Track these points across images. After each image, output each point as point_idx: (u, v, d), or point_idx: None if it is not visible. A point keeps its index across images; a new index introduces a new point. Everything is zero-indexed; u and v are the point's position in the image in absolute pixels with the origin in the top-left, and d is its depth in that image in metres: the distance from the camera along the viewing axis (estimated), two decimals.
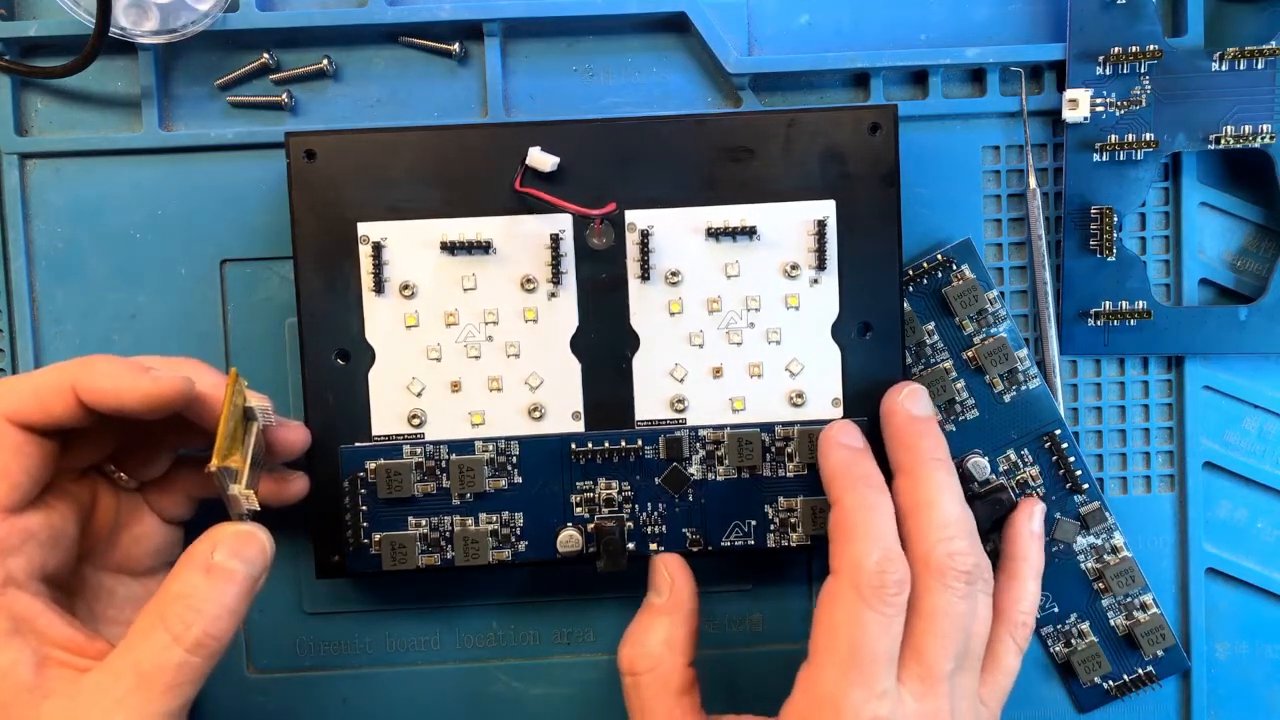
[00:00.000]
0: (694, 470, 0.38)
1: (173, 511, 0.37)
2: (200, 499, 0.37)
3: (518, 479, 0.37)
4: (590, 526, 0.38)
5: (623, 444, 0.37)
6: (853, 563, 0.33)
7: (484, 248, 0.37)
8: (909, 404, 0.36)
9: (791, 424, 0.37)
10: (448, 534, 0.37)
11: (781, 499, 0.38)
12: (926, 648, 0.33)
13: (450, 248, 0.36)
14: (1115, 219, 0.39)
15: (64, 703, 0.30)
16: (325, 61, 0.39)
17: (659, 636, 0.36)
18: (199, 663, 0.30)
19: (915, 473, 0.35)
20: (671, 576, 0.37)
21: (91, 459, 0.35)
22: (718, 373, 0.37)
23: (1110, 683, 0.41)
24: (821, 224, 0.37)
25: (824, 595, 0.34)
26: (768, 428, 0.37)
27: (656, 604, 0.37)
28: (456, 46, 0.39)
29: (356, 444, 0.37)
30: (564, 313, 0.37)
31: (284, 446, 0.36)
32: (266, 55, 0.39)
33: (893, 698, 0.33)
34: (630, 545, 0.38)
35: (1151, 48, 0.38)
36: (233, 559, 0.31)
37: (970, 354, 0.39)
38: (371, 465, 0.37)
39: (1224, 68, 0.38)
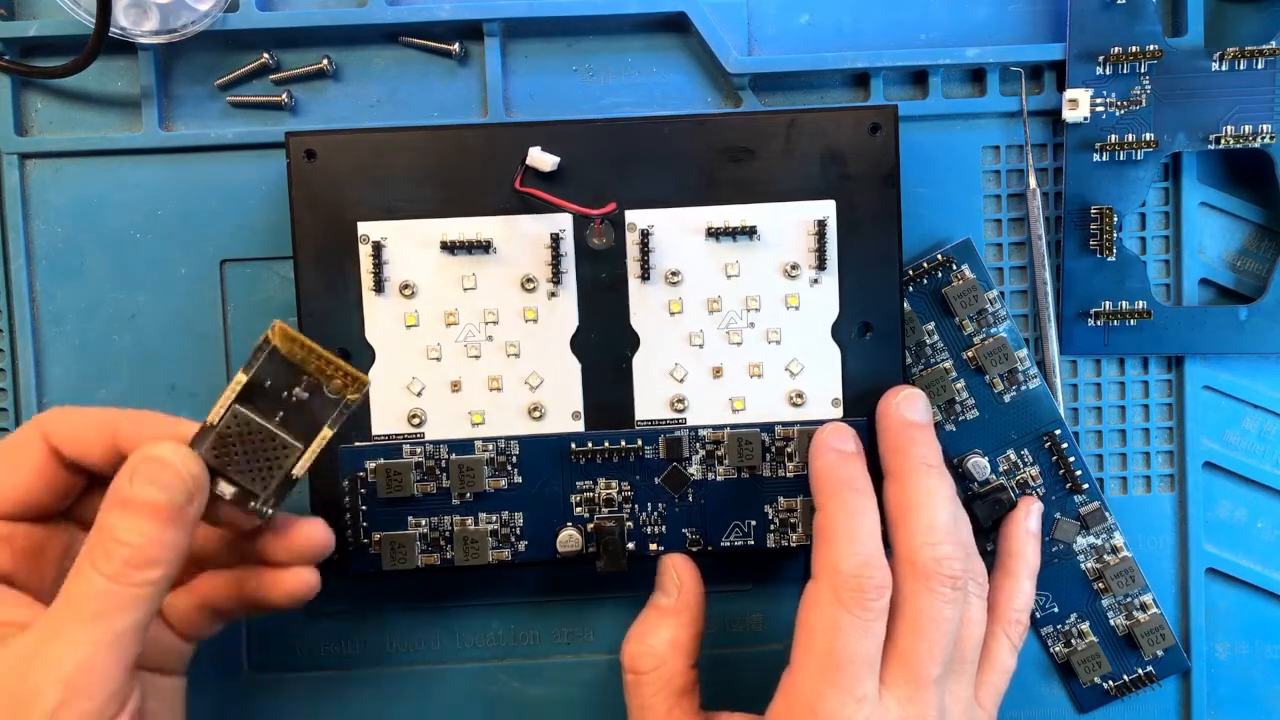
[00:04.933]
0: (694, 470, 0.38)
1: (195, 629, 0.35)
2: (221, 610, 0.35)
3: (518, 479, 0.37)
4: (590, 526, 0.38)
5: (623, 444, 0.37)
6: (831, 567, 0.33)
7: (484, 247, 0.37)
8: (903, 409, 0.36)
9: (791, 424, 0.37)
10: (448, 534, 0.37)
11: (781, 499, 0.38)
12: (911, 652, 0.33)
13: (450, 247, 0.36)
14: (1115, 219, 0.39)
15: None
16: (325, 61, 0.39)
17: (664, 637, 0.36)
18: (123, 591, 0.29)
19: (905, 478, 0.35)
20: (680, 578, 0.37)
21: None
22: (718, 373, 0.37)
23: (1110, 683, 0.41)
24: (821, 224, 0.37)
25: (804, 600, 0.34)
26: (768, 428, 0.37)
27: (664, 605, 0.36)
28: (456, 46, 0.39)
29: (356, 444, 0.37)
30: (564, 313, 0.37)
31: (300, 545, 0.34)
32: (266, 55, 0.39)
33: (872, 702, 0.32)
34: (630, 545, 0.38)
35: (1151, 48, 0.38)
36: (148, 486, 0.30)
37: (970, 354, 0.39)
38: (371, 465, 0.37)
39: (1224, 68, 0.38)
